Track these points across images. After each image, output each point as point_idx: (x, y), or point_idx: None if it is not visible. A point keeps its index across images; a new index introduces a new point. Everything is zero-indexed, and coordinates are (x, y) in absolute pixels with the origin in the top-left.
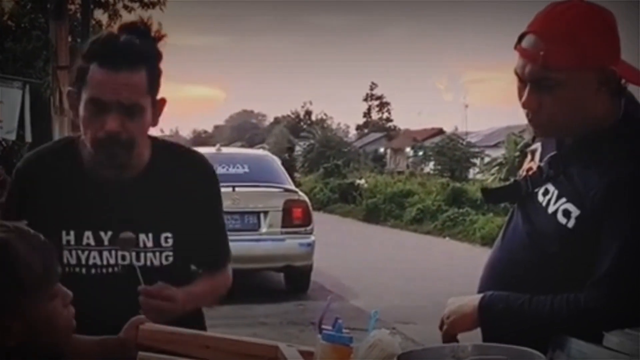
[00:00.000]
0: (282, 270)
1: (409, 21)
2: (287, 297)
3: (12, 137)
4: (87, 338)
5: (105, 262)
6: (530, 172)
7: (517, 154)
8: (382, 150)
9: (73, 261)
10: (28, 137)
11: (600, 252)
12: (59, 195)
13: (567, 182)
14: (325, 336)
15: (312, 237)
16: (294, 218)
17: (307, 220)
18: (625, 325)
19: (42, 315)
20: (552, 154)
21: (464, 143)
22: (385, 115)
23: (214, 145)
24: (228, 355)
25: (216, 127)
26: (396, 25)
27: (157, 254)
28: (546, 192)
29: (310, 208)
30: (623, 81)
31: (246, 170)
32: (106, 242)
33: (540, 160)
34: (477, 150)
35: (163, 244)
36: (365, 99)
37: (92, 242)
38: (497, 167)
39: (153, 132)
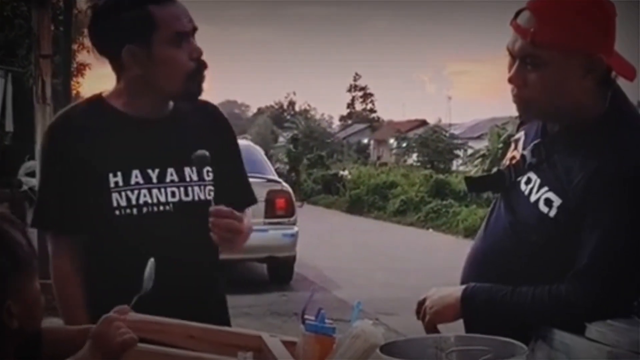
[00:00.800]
0: (265, 261)
1: (393, 12)
2: (270, 288)
3: None
4: (69, 327)
5: (155, 200)
6: (513, 161)
7: (500, 145)
8: (365, 141)
9: (123, 203)
10: (10, 126)
11: (582, 242)
12: (99, 140)
13: (549, 171)
14: (308, 327)
15: (296, 228)
16: (277, 209)
17: (290, 211)
18: (607, 317)
19: (33, 295)
20: (536, 142)
21: (447, 135)
22: (369, 106)
23: None
24: (212, 346)
25: None
26: (380, 16)
27: (202, 187)
28: (529, 181)
29: (294, 198)
30: (613, 74)
31: None
32: (154, 180)
33: (524, 149)
34: (460, 142)
35: (206, 177)
36: (349, 90)
37: (140, 181)
38: (480, 159)
39: None
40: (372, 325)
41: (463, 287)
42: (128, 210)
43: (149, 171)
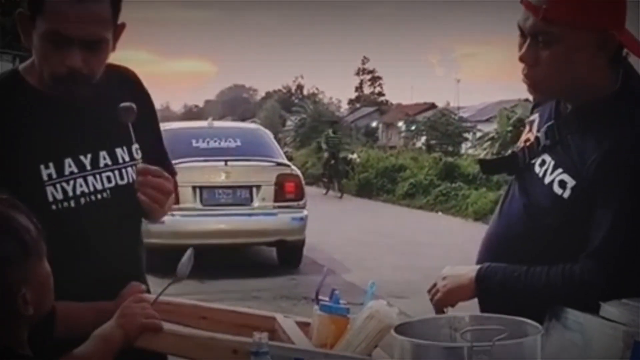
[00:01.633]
0: (275, 244)
1: None
2: (280, 271)
3: None
4: (80, 304)
5: (92, 189)
6: (527, 143)
7: (510, 128)
8: (374, 124)
9: (59, 196)
10: None
11: (595, 221)
12: (23, 127)
13: (563, 153)
14: (322, 307)
15: (305, 212)
16: (287, 192)
17: (299, 195)
18: (622, 295)
19: (44, 277)
20: (549, 123)
21: (456, 118)
22: (377, 89)
23: (206, 119)
24: (225, 326)
25: (207, 102)
26: None
27: (134, 167)
28: (543, 163)
29: (303, 182)
30: (625, 52)
31: (238, 144)
32: (88, 167)
33: (538, 131)
34: (469, 125)
35: (135, 156)
36: (357, 73)
37: (75, 170)
38: (489, 142)
39: None
40: (386, 306)
41: (477, 267)
42: (65, 204)
43: (82, 158)
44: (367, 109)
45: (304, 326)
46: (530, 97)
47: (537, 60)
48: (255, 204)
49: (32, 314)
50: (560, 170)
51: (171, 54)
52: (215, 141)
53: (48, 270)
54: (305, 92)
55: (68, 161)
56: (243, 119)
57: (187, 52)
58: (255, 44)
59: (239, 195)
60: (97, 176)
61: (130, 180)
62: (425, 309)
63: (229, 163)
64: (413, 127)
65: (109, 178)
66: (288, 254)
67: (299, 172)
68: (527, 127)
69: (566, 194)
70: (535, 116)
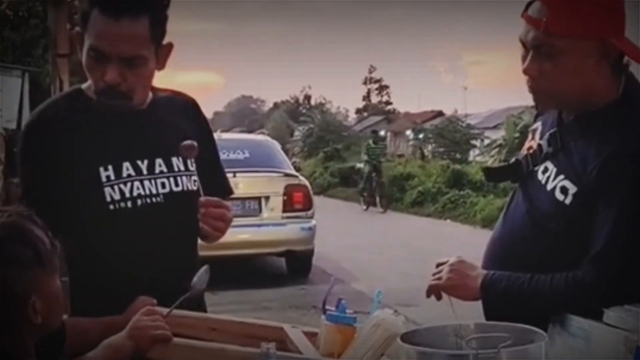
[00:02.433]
0: (284, 255)
1: (407, 2)
2: (289, 281)
3: (13, 125)
4: (87, 319)
5: (147, 192)
6: (530, 151)
7: (517, 135)
8: (382, 133)
9: (117, 196)
10: None
11: (597, 226)
12: (83, 134)
13: (565, 159)
14: (329, 317)
15: (313, 222)
16: (295, 202)
17: (308, 205)
18: (625, 301)
19: (55, 292)
20: (552, 131)
21: (464, 125)
22: (385, 98)
23: (214, 131)
24: (234, 337)
25: (215, 114)
26: (394, 7)
27: (188, 177)
28: (545, 170)
29: (311, 192)
30: (626, 59)
31: (247, 155)
32: (145, 172)
33: (541, 139)
34: (476, 132)
35: (190, 167)
36: (365, 83)
37: (132, 173)
38: (496, 149)
39: None
40: (392, 315)
41: (484, 272)
42: (122, 204)
43: (139, 162)
44: (374, 117)
45: (311, 336)
46: None
47: (541, 72)
48: (264, 214)
49: (40, 323)
50: (562, 176)
51: (179, 66)
52: (223, 153)
53: (59, 286)
54: (312, 102)
55: (126, 165)
56: (251, 130)
57: (195, 65)
58: (262, 55)
59: (248, 207)
60: (153, 181)
61: (185, 188)
62: (435, 317)
63: (237, 175)
64: (421, 135)
65: (163, 184)
66: (297, 264)
67: (306, 182)
68: (530, 135)
69: (568, 200)
70: (538, 124)
